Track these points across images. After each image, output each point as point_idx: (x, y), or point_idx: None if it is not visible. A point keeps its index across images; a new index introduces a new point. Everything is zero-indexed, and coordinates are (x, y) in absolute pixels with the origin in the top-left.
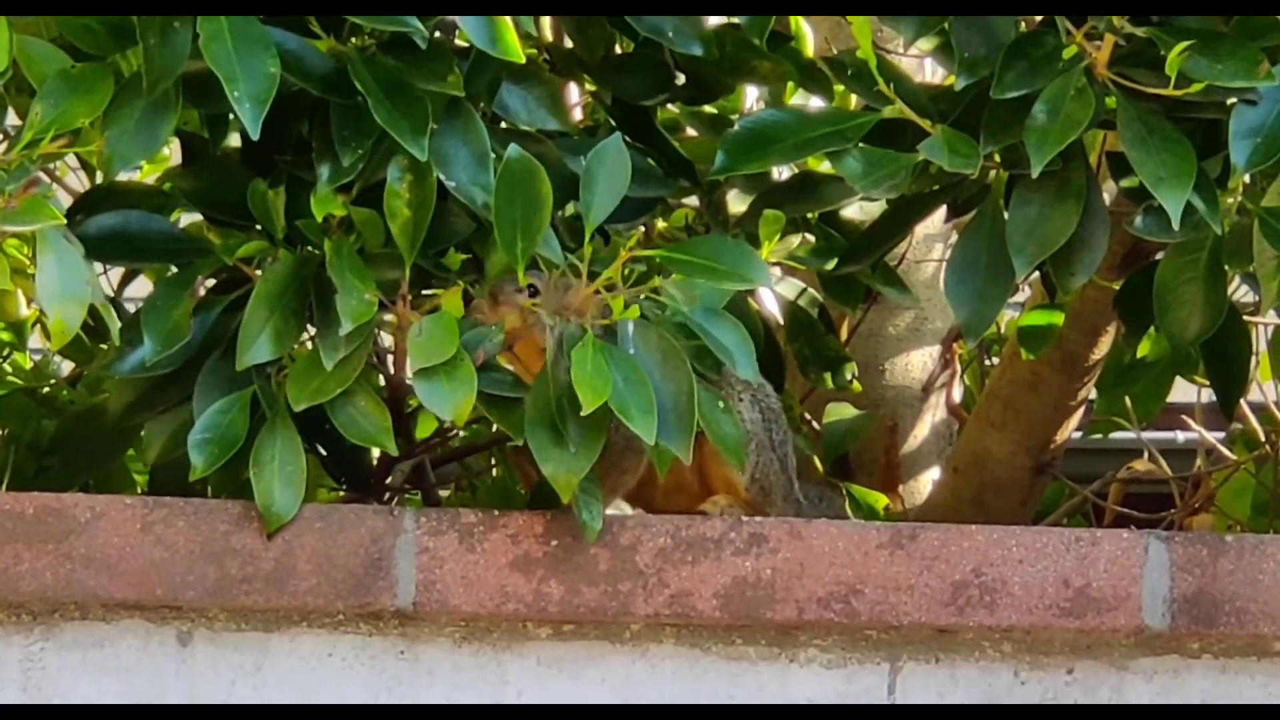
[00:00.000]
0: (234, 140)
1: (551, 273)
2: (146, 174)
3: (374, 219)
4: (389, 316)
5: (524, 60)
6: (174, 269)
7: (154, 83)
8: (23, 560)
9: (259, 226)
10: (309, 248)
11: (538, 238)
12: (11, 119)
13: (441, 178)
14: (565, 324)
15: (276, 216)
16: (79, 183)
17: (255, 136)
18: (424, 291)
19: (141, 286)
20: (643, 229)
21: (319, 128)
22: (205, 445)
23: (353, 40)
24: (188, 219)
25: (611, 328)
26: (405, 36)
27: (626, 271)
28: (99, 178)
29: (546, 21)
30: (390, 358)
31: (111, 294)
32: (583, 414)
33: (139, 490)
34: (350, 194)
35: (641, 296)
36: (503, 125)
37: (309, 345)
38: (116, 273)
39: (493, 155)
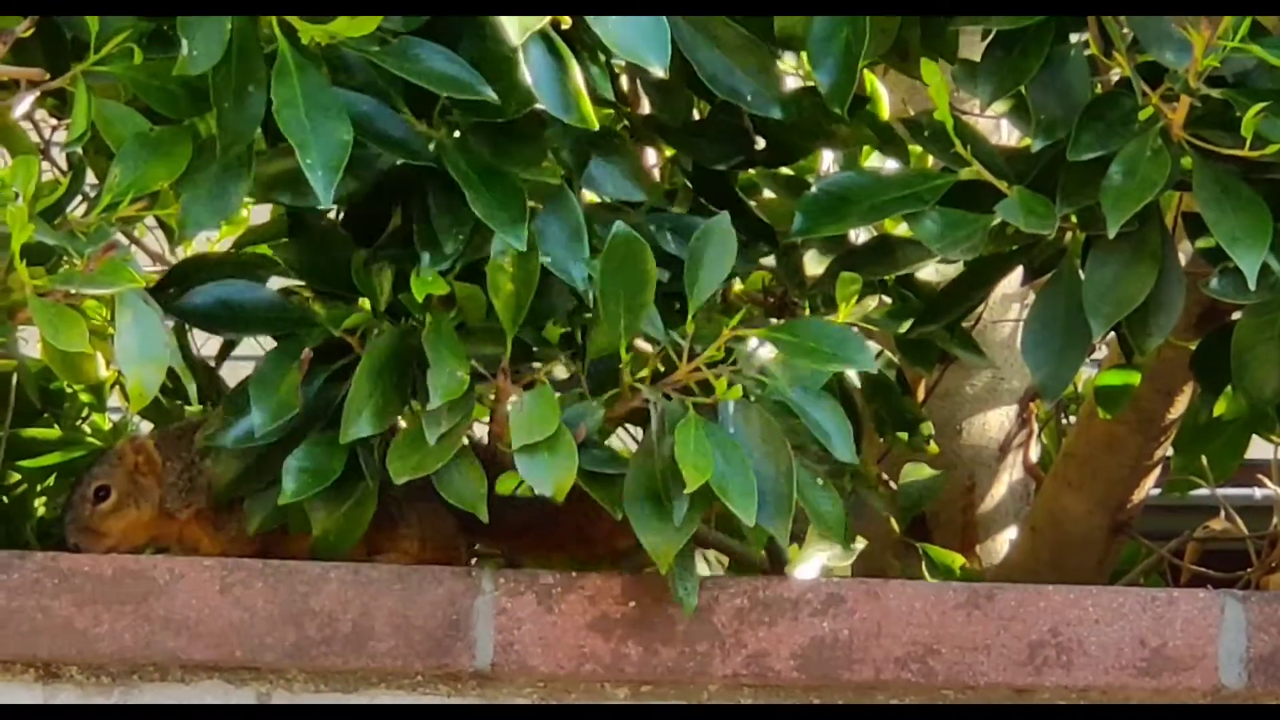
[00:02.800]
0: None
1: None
2: (225, 235)
3: (476, 294)
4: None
5: (599, 127)
6: (275, 340)
7: (227, 147)
8: (102, 622)
9: (364, 299)
10: (411, 320)
11: (642, 315)
12: (90, 181)
13: (541, 256)
14: (667, 400)
15: (381, 290)
16: (156, 243)
17: (327, 204)
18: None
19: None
20: (739, 314)
21: (419, 212)
22: (299, 473)
23: (444, 124)
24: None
25: (710, 405)
26: (497, 120)
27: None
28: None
29: (625, 86)
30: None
31: (211, 363)
32: (686, 491)
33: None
34: (453, 271)
35: (740, 375)
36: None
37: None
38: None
39: (585, 230)
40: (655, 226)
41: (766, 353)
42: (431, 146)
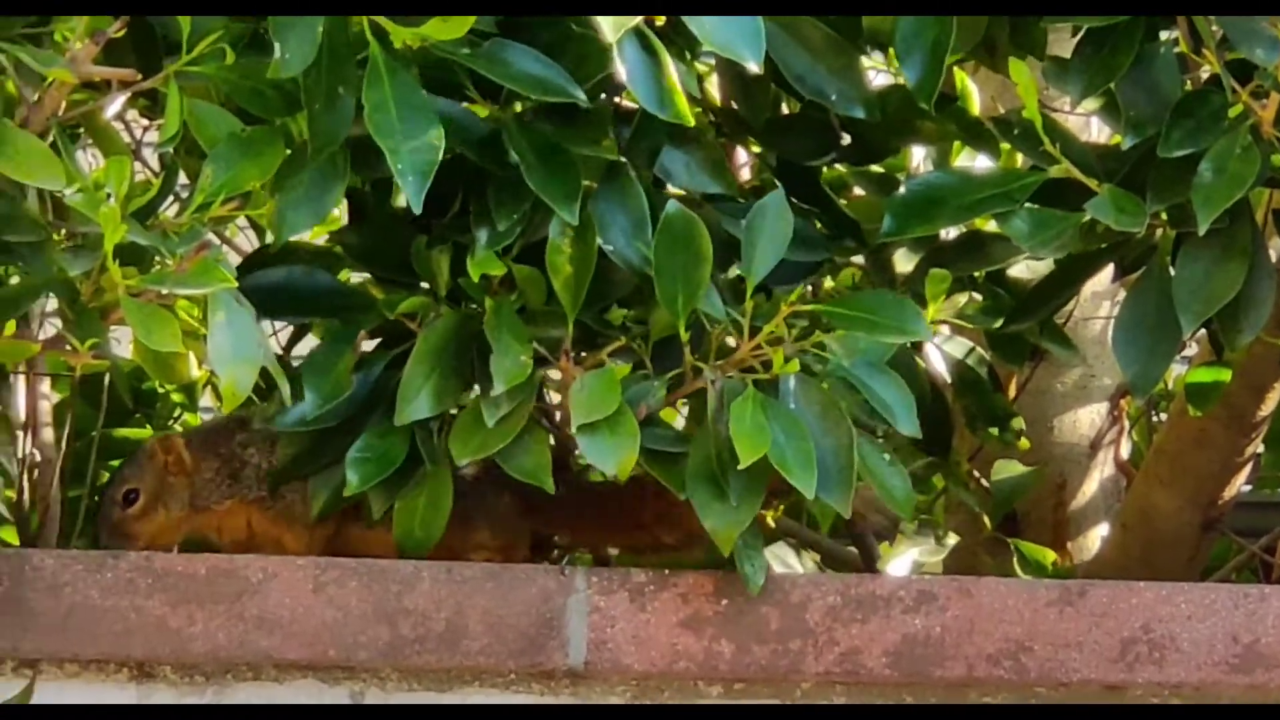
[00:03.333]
0: (400, 199)
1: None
2: (316, 235)
3: (536, 276)
4: (554, 373)
5: (692, 122)
6: (338, 324)
7: (319, 149)
8: (195, 621)
9: (423, 283)
10: (472, 304)
11: (699, 293)
12: (181, 181)
13: (599, 242)
14: (726, 378)
15: (440, 274)
16: (248, 242)
17: (418, 210)
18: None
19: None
20: (810, 289)
21: (476, 191)
22: (362, 464)
23: (514, 106)
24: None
25: (772, 382)
26: (564, 102)
27: (788, 327)
28: (269, 238)
29: (713, 84)
30: (558, 413)
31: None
32: (740, 467)
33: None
34: (512, 253)
35: (802, 351)
36: (668, 189)
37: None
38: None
39: (649, 220)
40: (731, 216)
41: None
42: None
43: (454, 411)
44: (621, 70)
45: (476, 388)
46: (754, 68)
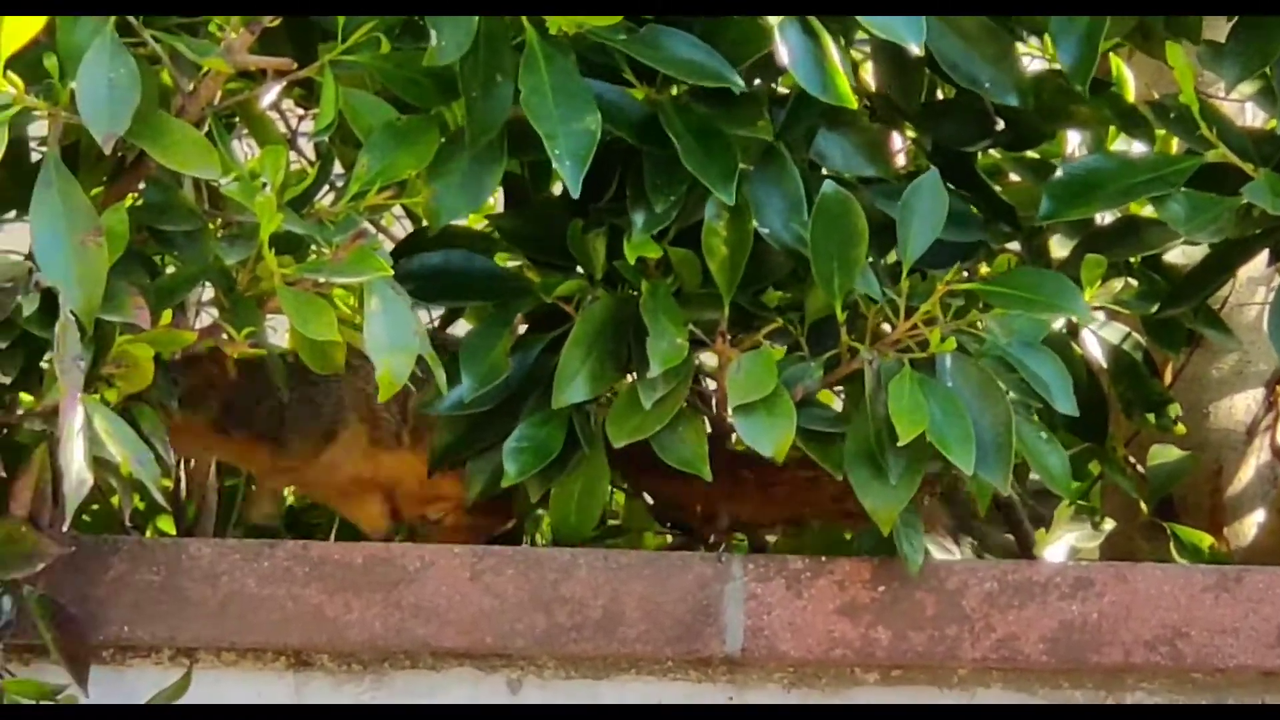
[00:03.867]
0: (556, 184)
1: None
2: (473, 222)
3: (691, 259)
4: (709, 355)
5: (855, 105)
6: (493, 308)
7: (477, 136)
8: (352, 610)
9: (579, 267)
10: (628, 288)
11: (855, 273)
12: (336, 170)
13: (755, 224)
14: (882, 358)
15: (596, 257)
16: (403, 230)
17: (576, 194)
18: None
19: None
20: (965, 273)
21: (633, 174)
22: (520, 454)
23: (667, 89)
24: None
25: (928, 362)
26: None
27: (942, 307)
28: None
29: (868, 69)
30: (714, 397)
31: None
32: (899, 444)
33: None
34: (668, 236)
35: (958, 331)
36: (823, 172)
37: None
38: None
39: (805, 201)
40: (887, 199)
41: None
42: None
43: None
44: (783, 53)
45: (633, 371)
46: (915, 50)
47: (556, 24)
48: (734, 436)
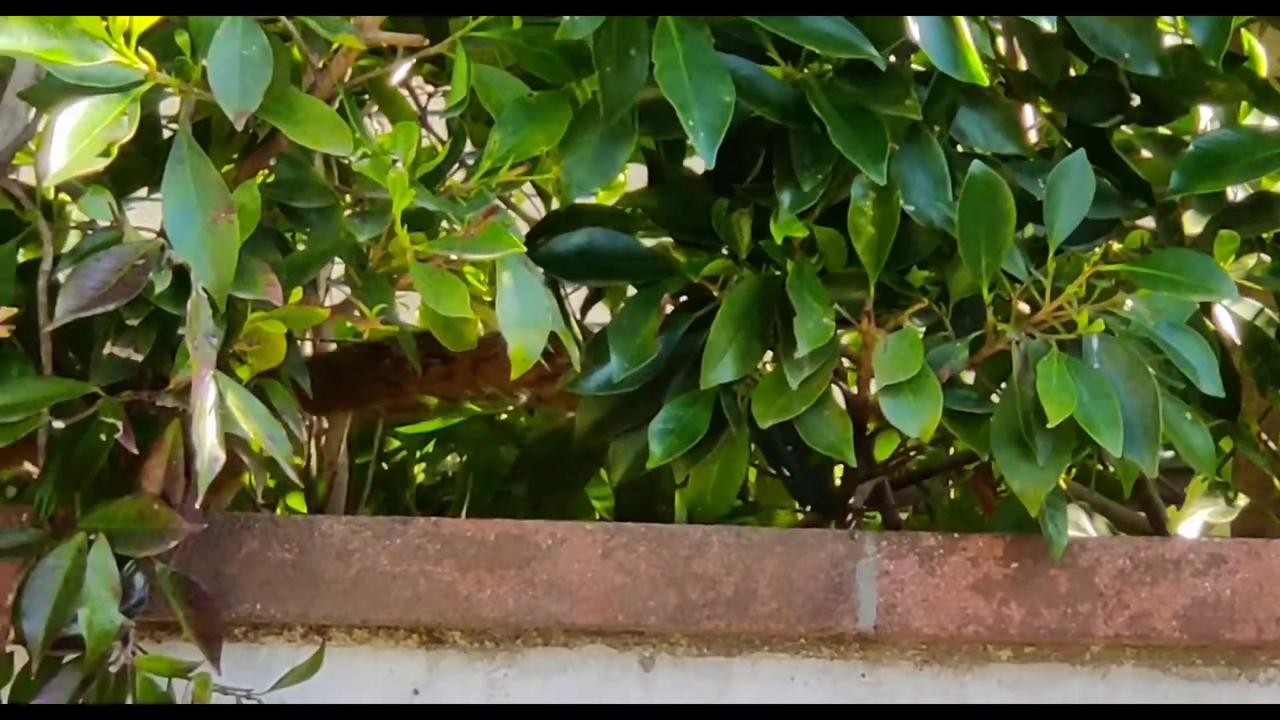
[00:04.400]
0: (696, 162)
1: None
2: (605, 198)
3: (837, 239)
4: (852, 335)
5: (987, 82)
6: (636, 288)
7: (610, 111)
8: (485, 587)
9: (724, 246)
10: (773, 267)
11: (1002, 253)
12: (467, 147)
13: (901, 203)
14: (1030, 339)
15: (741, 237)
16: (534, 209)
17: (710, 165)
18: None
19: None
20: (1099, 250)
21: (778, 153)
22: (665, 435)
23: (810, 67)
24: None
25: (1074, 342)
26: (864, 61)
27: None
28: (554, 203)
29: (1001, 44)
30: (851, 375)
31: (578, 317)
32: (1049, 426)
33: (596, 516)
34: (813, 215)
35: (1105, 312)
36: (959, 149)
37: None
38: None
39: (949, 179)
40: (1026, 176)
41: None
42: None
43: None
44: (915, 30)
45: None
46: (1047, 26)
47: None
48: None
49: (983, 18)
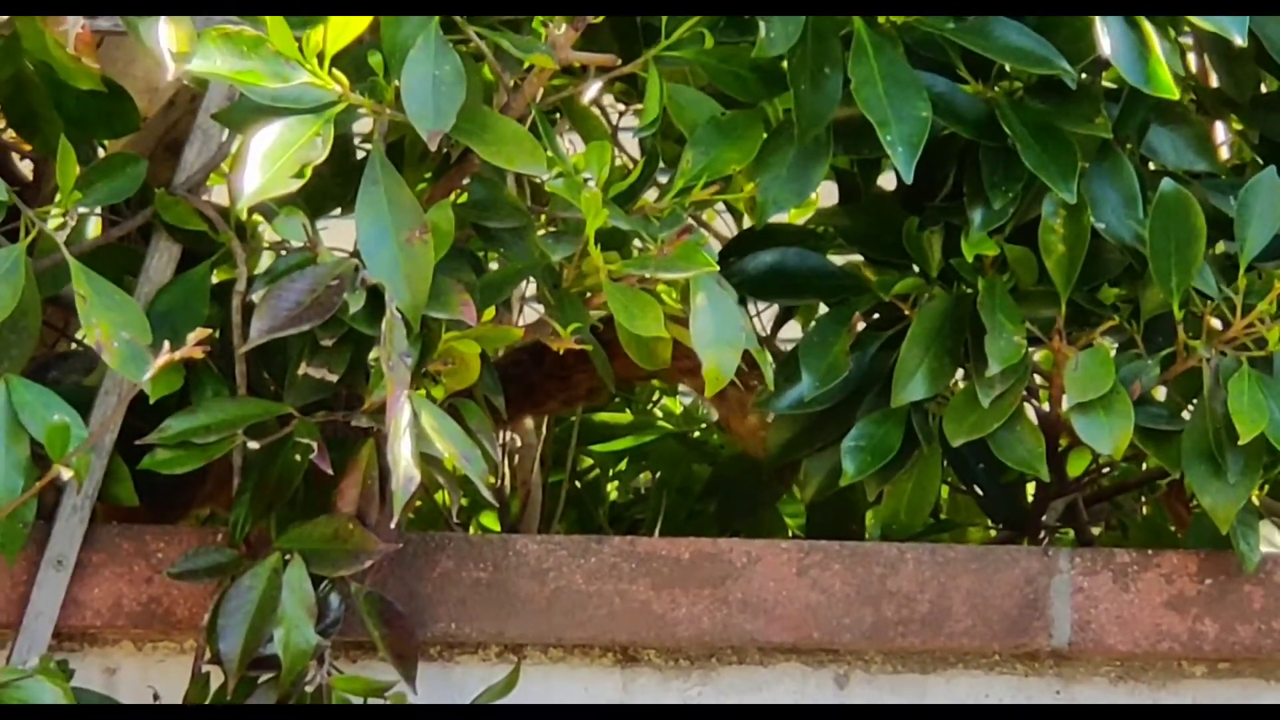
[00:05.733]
0: (885, 180)
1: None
2: (795, 217)
3: (1028, 256)
4: (1043, 353)
5: (1178, 97)
6: (827, 306)
7: (805, 129)
8: (680, 605)
9: (914, 265)
10: (964, 285)
11: (1193, 271)
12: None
13: (1092, 221)
14: (1221, 356)
15: (932, 255)
16: (725, 227)
17: (909, 180)
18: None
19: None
20: None
21: (969, 171)
22: (857, 453)
23: (1001, 84)
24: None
25: (1265, 359)
26: (1054, 79)
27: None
28: (746, 222)
29: (1192, 60)
30: (1042, 392)
31: (766, 334)
32: (1240, 443)
33: (788, 533)
34: (1004, 233)
35: None
36: (1150, 167)
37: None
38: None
39: (1140, 197)
40: (1219, 193)
41: None
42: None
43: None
44: (1105, 45)
45: (964, 369)
46: (1238, 40)
47: (884, 14)
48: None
49: (1173, 34)
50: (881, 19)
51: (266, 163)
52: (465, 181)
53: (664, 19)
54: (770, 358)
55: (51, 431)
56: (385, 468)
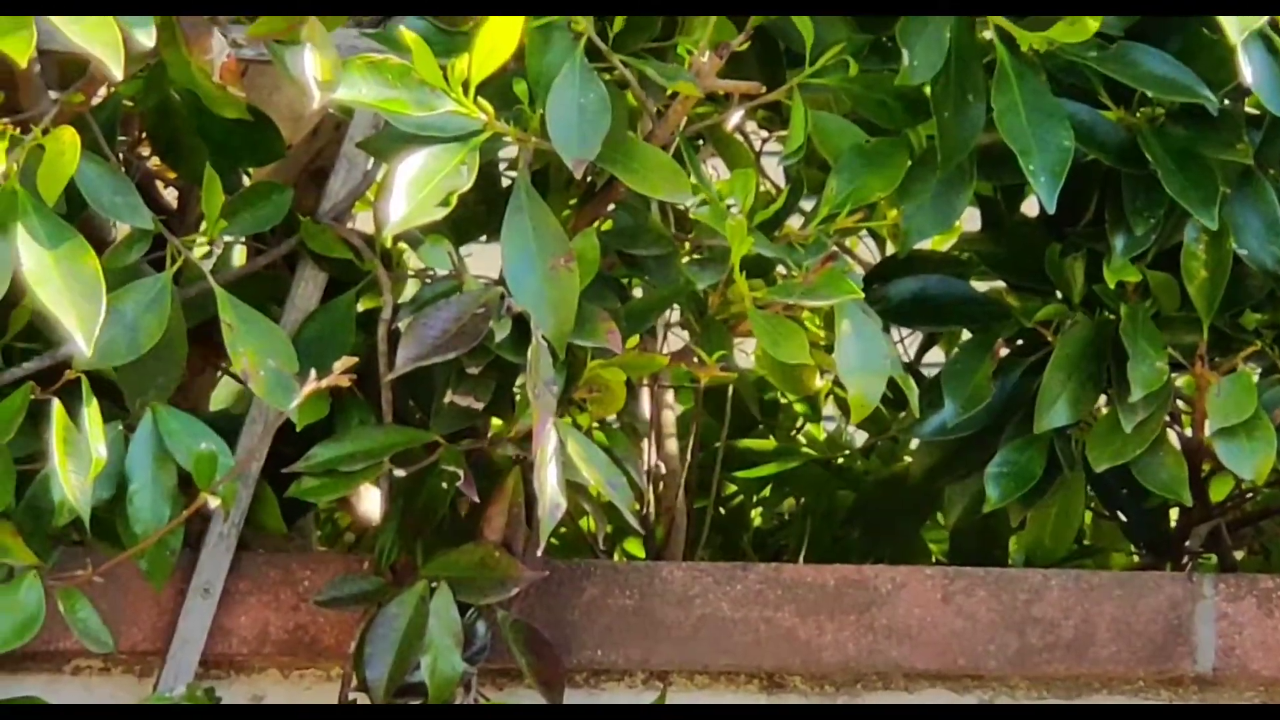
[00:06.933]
0: (1028, 206)
1: None
2: (938, 244)
3: (1170, 282)
4: (1186, 379)
5: None
6: (970, 333)
7: (948, 156)
8: (825, 632)
9: (1057, 291)
10: (1106, 312)
11: None
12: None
13: (1234, 247)
14: None
15: (1074, 281)
16: (867, 252)
17: (1051, 210)
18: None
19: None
20: None
21: (1111, 197)
22: (1001, 479)
23: (1142, 111)
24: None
25: None
26: (1196, 106)
27: None
28: (888, 248)
29: None
30: (1185, 418)
31: (908, 360)
32: None
33: (932, 559)
34: (1146, 259)
35: None
36: None
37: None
38: (914, 342)
39: None
40: None
41: None
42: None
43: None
44: (1247, 72)
45: (1106, 395)
46: None
47: (1026, 41)
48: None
49: None
50: (1024, 46)
51: (412, 191)
52: (610, 209)
53: (809, 46)
54: (914, 384)
55: (198, 460)
56: (531, 495)
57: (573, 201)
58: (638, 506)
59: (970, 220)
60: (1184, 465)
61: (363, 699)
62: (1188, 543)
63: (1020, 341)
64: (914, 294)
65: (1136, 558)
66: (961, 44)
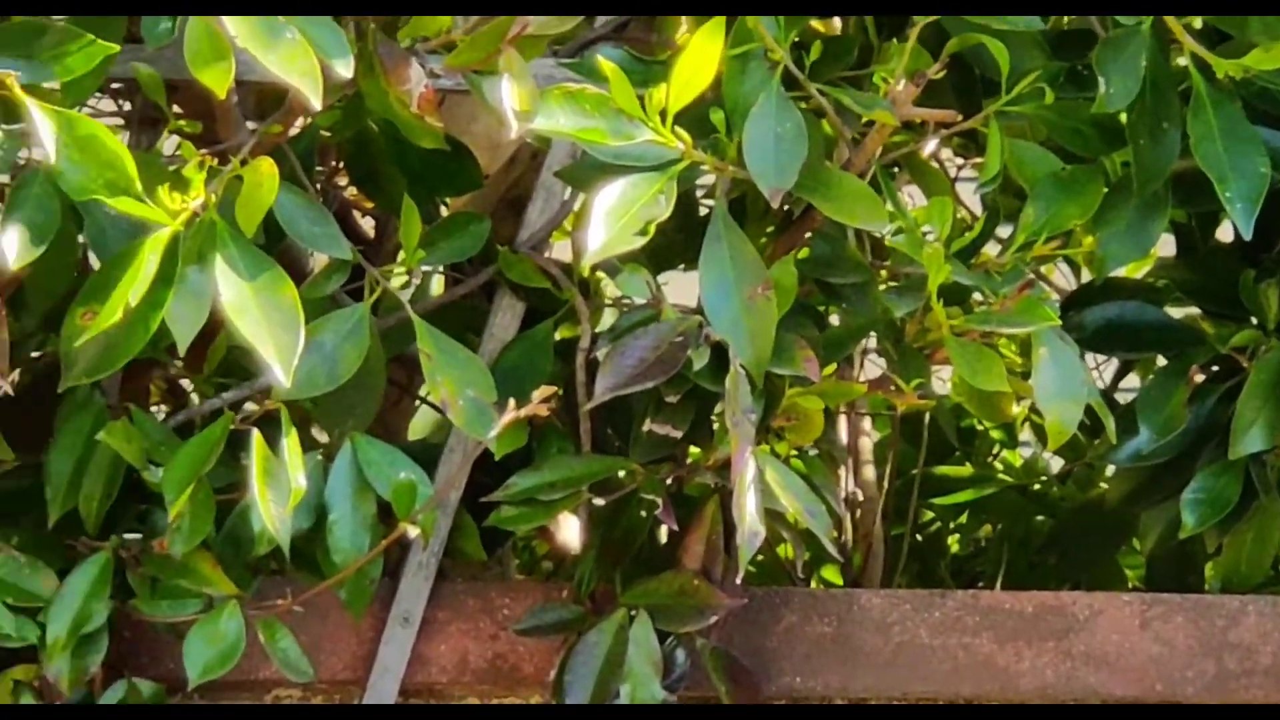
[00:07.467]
0: (1222, 232)
1: None
2: (1133, 270)
3: None
4: None
5: None
6: (1165, 359)
7: (1144, 184)
8: (1023, 658)
9: (1252, 317)
10: None
11: None
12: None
13: None
14: None
15: (1269, 307)
16: (1063, 278)
17: (1247, 236)
18: None
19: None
20: None
21: None
22: (1197, 505)
23: None
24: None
25: None
26: None
27: None
28: (1084, 275)
29: None
30: None
31: (1104, 387)
32: None
33: (1128, 585)
34: None
35: None
36: None
37: None
38: (1109, 368)
39: None
40: None
41: None
42: None
43: None
44: None
45: None
46: None
47: (1222, 68)
48: None
49: None
50: (1219, 73)
51: (610, 220)
52: (807, 237)
53: (1004, 74)
54: (1110, 411)
55: (398, 489)
56: (730, 523)
57: (770, 230)
58: (836, 534)
59: (1165, 247)
60: None
61: None
62: None
63: (1215, 368)
64: (1109, 321)
65: None
66: (1157, 71)
